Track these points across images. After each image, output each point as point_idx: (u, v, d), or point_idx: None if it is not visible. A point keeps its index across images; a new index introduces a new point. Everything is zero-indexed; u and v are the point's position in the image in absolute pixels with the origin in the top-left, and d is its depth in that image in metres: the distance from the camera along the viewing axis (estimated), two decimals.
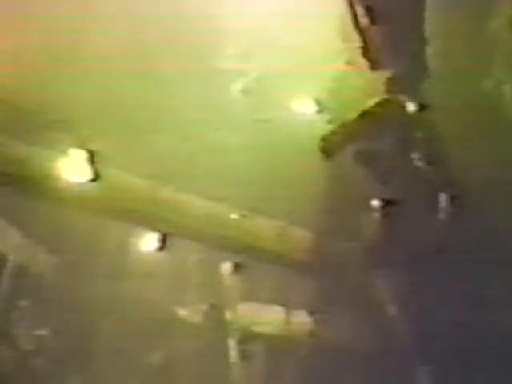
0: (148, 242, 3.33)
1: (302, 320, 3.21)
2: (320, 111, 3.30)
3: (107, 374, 3.17)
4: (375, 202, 3.17)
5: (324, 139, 3.20)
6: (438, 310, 3.12)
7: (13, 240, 3.32)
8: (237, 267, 3.28)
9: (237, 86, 3.33)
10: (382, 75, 3.19)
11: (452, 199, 3.19)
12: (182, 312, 3.22)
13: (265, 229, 3.25)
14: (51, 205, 3.30)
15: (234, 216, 3.22)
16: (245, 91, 3.32)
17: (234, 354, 3.15)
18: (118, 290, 3.26)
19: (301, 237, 3.24)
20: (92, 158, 3.25)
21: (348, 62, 3.26)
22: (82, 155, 3.23)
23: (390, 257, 3.20)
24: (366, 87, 3.20)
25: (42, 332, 3.24)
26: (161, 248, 3.32)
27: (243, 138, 3.26)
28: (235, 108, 3.31)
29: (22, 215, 3.31)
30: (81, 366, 3.19)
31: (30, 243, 3.32)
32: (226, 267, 3.29)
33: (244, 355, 3.17)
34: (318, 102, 3.32)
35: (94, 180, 3.25)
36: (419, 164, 3.20)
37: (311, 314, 3.21)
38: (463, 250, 3.18)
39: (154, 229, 3.24)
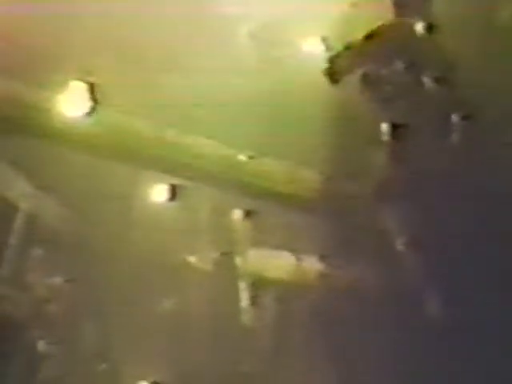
0: (158, 192, 3.32)
1: (312, 265, 3.21)
2: (328, 50, 3.24)
3: (120, 320, 3.21)
4: (384, 127, 3.13)
5: (330, 62, 3.14)
6: (451, 240, 3.09)
7: (21, 188, 3.34)
8: (247, 214, 3.28)
9: (243, 30, 3.28)
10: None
11: (464, 120, 3.14)
12: (193, 259, 3.23)
13: (273, 170, 3.23)
14: (56, 147, 3.30)
15: (241, 157, 3.20)
16: (252, 35, 3.27)
17: (245, 298, 3.17)
18: (129, 238, 3.28)
19: (310, 177, 3.22)
20: (93, 91, 3.23)
21: (354, 2, 3.20)
22: (83, 88, 3.20)
23: (400, 188, 3.17)
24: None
25: (56, 280, 3.27)
26: (171, 198, 3.31)
27: (251, 80, 3.23)
28: (242, 51, 3.26)
29: (28, 162, 3.32)
30: (94, 313, 3.22)
31: (38, 192, 3.33)
32: (237, 214, 3.29)
33: (255, 300, 3.19)
34: (325, 41, 3.26)
35: (93, 113, 3.23)
36: (429, 86, 3.14)
37: (322, 258, 3.21)
38: (476, 172, 3.13)
39: (160, 171, 3.22)
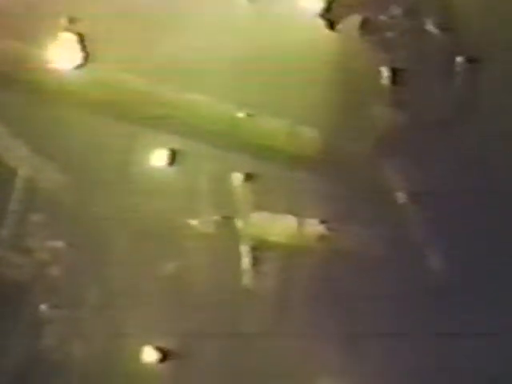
0: (158, 157, 3.30)
1: (313, 228, 3.20)
2: (328, 9, 3.19)
3: (122, 284, 3.21)
4: (385, 71, 3.09)
5: (327, 5, 3.09)
6: (452, 195, 3.08)
7: (20, 153, 3.31)
8: (248, 177, 3.26)
9: None
10: None
11: (468, 63, 3.10)
12: (194, 223, 3.22)
13: (273, 128, 3.20)
14: (52, 106, 3.26)
15: (240, 115, 3.17)
16: None
17: (246, 261, 3.17)
18: (129, 203, 3.27)
19: (310, 135, 3.19)
20: (83, 43, 3.18)
21: None
22: (73, 39, 3.15)
23: (401, 142, 3.14)
24: None
25: (57, 244, 3.27)
26: (171, 163, 3.29)
27: (249, 38, 3.18)
28: (240, 9, 3.20)
29: (24, 124, 3.29)
30: (96, 277, 3.23)
31: (37, 158, 3.31)
32: (237, 177, 3.27)
33: (256, 262, 3.19)
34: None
35: (85, 65, 3.19)
36: (431, 31, 3.09)
37: (323, 222, 3.21)
38: (479, 120, 3.11)
39: (158, 129, 3.20)
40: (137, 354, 3.08)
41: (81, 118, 3.28)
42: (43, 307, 3.19)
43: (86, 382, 3.08)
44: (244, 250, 3.21)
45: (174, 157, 3.27)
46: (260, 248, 3.23)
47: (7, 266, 3.27)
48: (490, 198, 3.04)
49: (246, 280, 3.18)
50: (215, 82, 3.20)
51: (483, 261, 3.02)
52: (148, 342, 3.09)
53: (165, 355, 3.05)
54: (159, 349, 3.08)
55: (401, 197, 3.12)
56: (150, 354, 3.07)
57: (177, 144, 3.25)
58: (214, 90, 3.20)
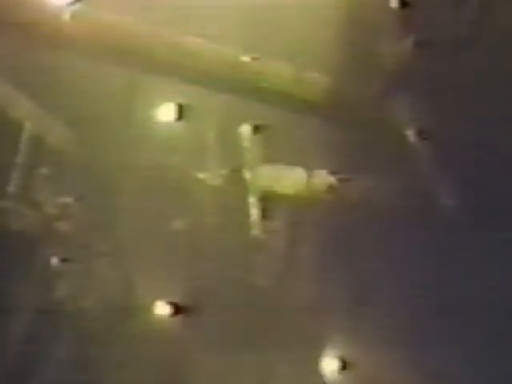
0: (165, 112, 3.26)
1: (323, 179, 3.19)
2: None
3: (131, 239, 3.22)
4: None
5: None
6: (464, 130, 3.04)
7: (25, 107, 3.27)
8: (256, 129, 3.23)
9: None
10: None
11: None
12: (202, 176, 3.21)
13: (279, 71, 3.16)
14: (51, 52, 3.20)
15: (244, 58, 3.12)
16: None
17: (255, 213, 3.17)
18: (137, 159, 3.25)
19: (317, 79, 3.15)
20: None
21: None
22: None
23: (410, 77, 3.09)
24: None
25: (66, 199, 3.27)
26: (178, 117, 3.26)
27: None
28: None
29: (27, 76, 3.24)
30: (105, 231, 3.23)
31: (42, 111, 3.27)
32: (246, 130, 3.24)
33: (265, 214, 3.19)
34: None
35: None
36: None
37: (333, 173, 3.19)
38: (490, 43, 3.03)
39: (161, 74, 3.15)
40: (149, 308, 3.10)
41: (84, 66, 3.23)
42: (54, 260, 3.19)
43: (98, 335, 3.10)
44: (253, 201, 3.20)
45: (181, 111, 3.23)
46: (269, 200, 3.22)
47: (17, 219, 3.27)
48: (505, 128, 3.00)
49: (255, 232, 3.18)
50: (219, 28, 3.14)
51: (496, 200, 3.01)
52: (160, 296, 3.10)
53: (177, 309, 3.08)
54: (171, 303, 3.10)
55: (412, 135, 3.09)
56: (162, 308, 3.10)
57: (184, 98, 3.21)
58: (218, 35, 3.14)
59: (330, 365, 2.93)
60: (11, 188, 3.33)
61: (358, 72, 3.16)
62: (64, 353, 3.05)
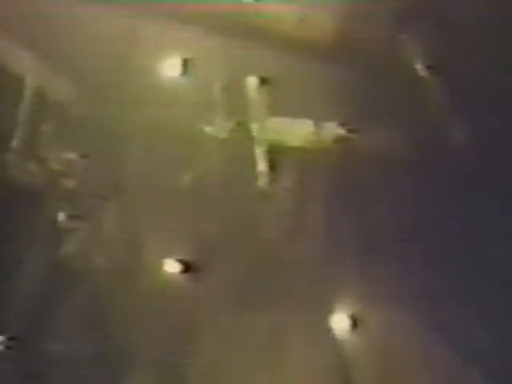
0: (170, 67, 3.19)
1: (332, 131, 3.14)
2: None
3: (139, 195, 3.19)
4: None
5: None
6: (477, 66, 2.99)
7: (27, 61, 3.21)
8: (263, 81, 3.17)
9: None
10: None
11: None
12: (209, 129, 3.16)
13: (282, 12, 3.07)
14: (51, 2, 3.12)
15: (246, 0, 3.05)
16: None
17: (262, 164, 3.14)
18: (142, 114, 3.20)
19: (323, 20, 3.07)
20: None
21: None
22: None
23: (422, 7, 2.99)
24: None
25: (71, 155, 3.23)
26: (183, 72, 3.19)
27: None
28: None
29: (27, 28, 3.16)
30: (112, 189, 3.20)
31: (45, 66, 3.21)
32: (252, 81, 3.18)
33: (272, 165, 3.16)
34: None
35: None
36: None
37: (342, 125, 3.14)
38: None
39: (162, 16, 3.07)
40: (158, 266, 3.09)
41: (85, 16, 3.14)
42: (61, 216, 3.18)
43: (108, 292, 3.11)
44: (259, 153, 3.16)
45: (186, 66, 3.16)
46: (276, 153, 3.18)
47: (21, 174, 3.24)
48: None
49: (263, 184, 3.15)
50: None
51: (509, 136, 2.97)
52: (170, 256, 3.10)
53: (187, 267, 3.07)
54: (181, 260, 3.09)
55: (423, 69, 3.02)
56: (171, 266, 3.09)
57: (188, 52, 3.14)
58: None
59: (340, 323, 2.93)
60: (14, 142, 3.28)
61: (365, 9, 3.07)
62: (75, 309, 3.05)
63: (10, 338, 2.99)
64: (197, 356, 2.90)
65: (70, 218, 3.19)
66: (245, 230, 3.11)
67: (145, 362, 2.92)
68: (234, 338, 2.92)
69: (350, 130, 3.11)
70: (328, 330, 2.90)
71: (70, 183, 3.21)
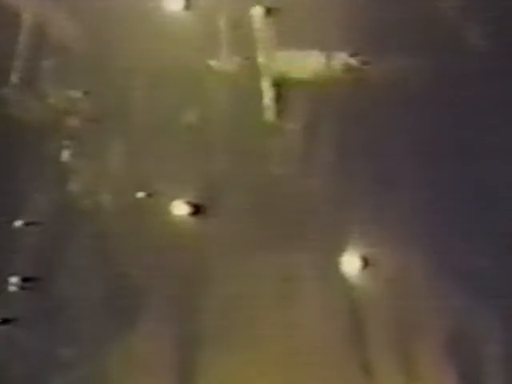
0: (173, 1, 3.09)
1: (343, 62, 3.04)
2: None
3: (145, 135, 3.13)
4: None
5: None
6: None
7: None
8: (269, 11, 3.05)
9: None
10: None
11: None
12: (215, 64, 3.07)
13: None
14: None
15: None
16: None
17: (269, 97, 3.06)
18: (146, 50, 3.14)
19: None
20: None
21: None
22: None
23: None
24: None
25: (74, 93, 3.15)
26: (187, 7, 3.08)
27: None
28: None
29: None
30: (117, 127, 3.13)
31: (45, 2, 3.11)
32: (257, 12, 3.06)
33: (280, 99, 3.08)
34: None
35: None
36: None
37: (354, 55, 3.04)
38: None
39: None
40: (167, 208, 3.06)
41: None
42: (65, 155, 3.13)
43: (116, 232, 3.09)
44: (267, 87, 3.07)
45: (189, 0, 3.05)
46: (284, 86, 3.09)
47: (22, 110, 3.18)
48: None
49: (270, 116, 3.08)
50: None
51: None
52: (180, 198, 3.06)
53: (196, 209, 3.03)
54: (189, 202, 3.05)
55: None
56: (180, 208, 3.05)
57: None
58: None
59: (351, 264, 2.91)
60: (13, 77, 3.20)
61: None
62: (85, 248, 3.04)
63: (24, 279, 2.95)
64: (209, 297, 2.89)
65: (74, 156, 3.14)
66: (253, 166, 3.06)
67: (157, 300, 2.92)
68: (245, 279, 2.91)
69: (360, 60, 3.01)
70: (339, 272, 2.88)
71: (73, 121, 3.14)
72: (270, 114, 3.04)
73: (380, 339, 2.75)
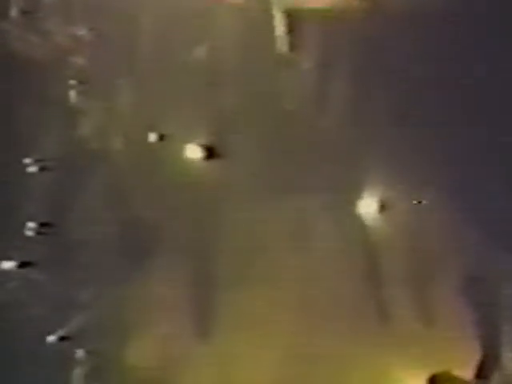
0: None
1: None
2: None
3: (153, 76, 3.06)
4: None
5: None
6: None
7: None
8: None
9: None
10: None
11: None
12: None
13: None
14: None
15: None
16: None
17: (280, 28, 2.98)
18: None
19: None
20: None
21: None
22: None
23: None
24: None
25: (79, 31, 3.06)
26: None
27: None
28: None
29: None
30: (125, 69, 3.06)
31: None
32: None
33: (292, 30, 2.99)
34: None
35: None
36: None
37: None
38: None
39: None
40: (180, 152, 3.02)
41: None
42: (72, 96, 3.07)
43: (128, 174, 3.06)
44: (278, 18, 2.98)
45: None
46: (296, 16, 2.99)
47: (23, 47, 3.09)
48: None
49: (282, 48, 3.00)
50: None
51: None
52: (192, 141, 3.01)
53: (209, 152, 3.00)
54: (203, 145, 3.01)
55: None
56: (193, 151, 3.02)
57: None
58: None
59: (368, 207, 2.90)
60: (13, 12, 3.10)
61: None
62: (97, 191, 3.03)
63: (41, 224, 2.96)
64: (224, 239, 2.90)
65: (80, 94, 3.07)
66: (266, 102, 2.99)
67: (170, 242, 2.93)
68: (260, 222, 2.91)
69: None
70: (355, 215, 2.87)
71: (79, 60, 3.06)
72: (282, 47, 2.95)
73: (396, 282, 2.76)
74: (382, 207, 2.87)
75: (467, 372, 2.65)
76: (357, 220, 2.86)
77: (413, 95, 2.88)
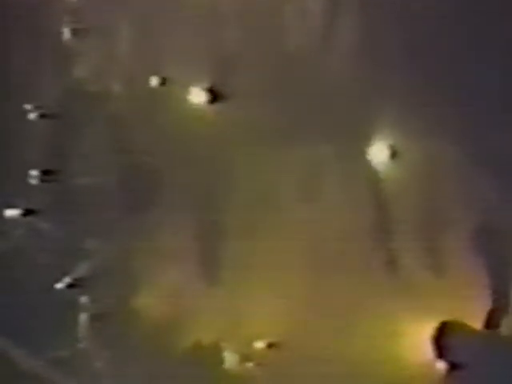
0: None
1: None
2: None
3: (152, 14, 2.93)
4: None
5: None
6: None
7: None
8: None
9: None
10: None
11: None
12: None
13: None
14: None
15: None
16: None
17: None
18: None
19: None
20: None
21: None
22: None
23: None
24: None
25: None
26: None
27: None
28: None
29: None
30: (125, 7, 2.92)
31: None
32: None
33: None
34: None
35: None
36: None
37: None
38: None
39: None
40: (183, 95, 2.93)
41: None
42: (66, 33, 2.95)
43: (128, 119, 2.99)
44: None
45: None
46: None
47: None
48: None
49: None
50: None
51: None
52: (192, 83, 2.92)
53: (214, 95, 2.91)
54: (207, 89, 2.92)
55: None
56: (197, 95, 2.93)
57: None
58: None
59: (379, 153, 2.84)
60: None
61: None
62: (97, 137, 2.97)
63: (44, 172, 2.91)
64: (230, 187, 2.86)
65: (77, 35, 2.95)
66: (269, 42, 2.88)
67: (174, 188, 2.89)
68: (267, 171, 2.86)
69: None
70: (366, 161, 2.82)
71: None
72: None
73: (406, 232, 2.75)
74: (394, 154, 2.81)
75: (477, 321, 2.67)
76: (367, 167, 2.80)
77: (424, 29, 2.76)
